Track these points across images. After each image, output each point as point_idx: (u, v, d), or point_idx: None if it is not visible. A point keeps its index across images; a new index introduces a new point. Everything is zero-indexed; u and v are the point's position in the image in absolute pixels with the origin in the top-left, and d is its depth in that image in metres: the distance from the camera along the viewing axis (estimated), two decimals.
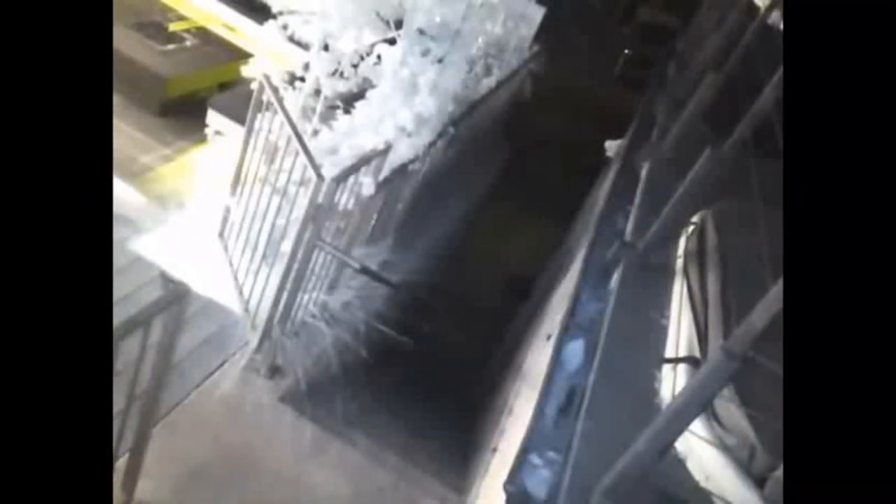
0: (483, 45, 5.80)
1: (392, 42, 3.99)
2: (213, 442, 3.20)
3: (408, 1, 3.91)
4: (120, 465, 2.43)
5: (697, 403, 2.00)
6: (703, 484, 2.39)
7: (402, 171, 4.26)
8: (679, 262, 3.70)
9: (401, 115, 3.94)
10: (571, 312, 3.38)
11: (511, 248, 7.89)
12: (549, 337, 3.63)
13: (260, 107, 3.81)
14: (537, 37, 7.88)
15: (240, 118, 4.18)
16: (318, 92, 4.16)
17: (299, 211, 3.43)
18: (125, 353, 1.90)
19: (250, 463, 3.20)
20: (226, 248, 4.22)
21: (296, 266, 3.43)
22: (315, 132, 4.12)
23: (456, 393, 5.49)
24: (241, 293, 3.90)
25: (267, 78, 3.78)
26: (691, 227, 3.85)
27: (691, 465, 2.43)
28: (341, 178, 3.36)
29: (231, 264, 4.09)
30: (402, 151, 4.13)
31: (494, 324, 6.65)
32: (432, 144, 4.60)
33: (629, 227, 3.94)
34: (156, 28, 6.40)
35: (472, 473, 4.02)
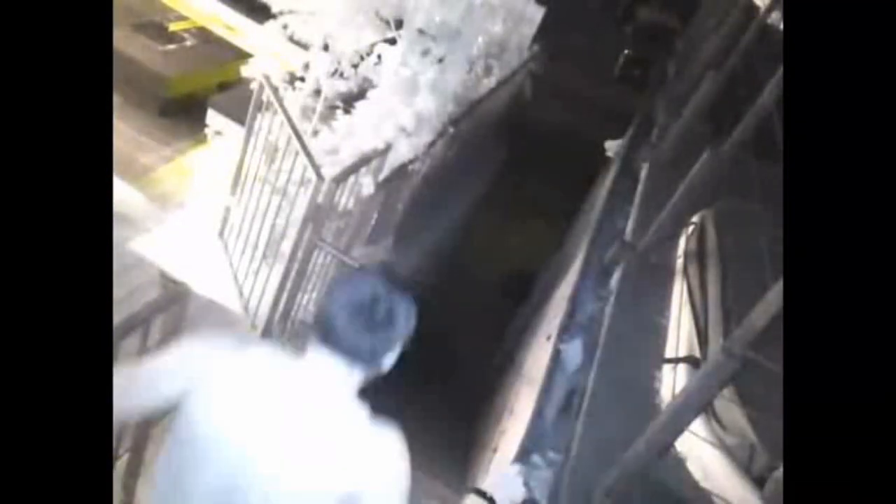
0: (483, 45, 5.80)
1: (392, 42, 3.98)
2: None
3: (408, 1, 3.90)
4: (120, 465, 2.43)
5: (697, 403, 2.00)
6: (702, 484, 2.39)
7: (402, 171, 4.26)
8: (679, 262, 3.70)
9: (401, 115, 3.94)
10: (571, 313, 3.38)
11: (511, 248, 7.89)
12: (548, 337, 3.63)
13: (260, 107, 3.81)
14: (537, 37, 7.87)
15: (240, 118, 4.17)
16: (318, 92, 4.15)
17: (299, 211, 3.43)
18: (125, 353, 1.90)
19: None
20: (226, 248, 4.22)
21: (296, 266, 3.43)
22: (315, 132, 4.12)
23: (456, 393, 5.49)
24: (241, 293, 3.89)
25: (267, 78, 3.78)
26: (691, 227, 3.86)
27: (691, 465, 2.43)
28: (341, 178, 3.36)
29: (231, 264, 4.08)
30: (402, 151, 4.12)
31: (494, 324, 6.65)
32: (432, 144, 4.59)
33: (629, 227, 3.94)
34: (156, 28, 6.40)
35: (472, 473, 4.02)
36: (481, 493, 1.36)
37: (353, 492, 1.19)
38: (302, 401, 1.20)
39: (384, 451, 1.22)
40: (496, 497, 1.36)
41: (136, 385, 1.26)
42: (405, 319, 1.21)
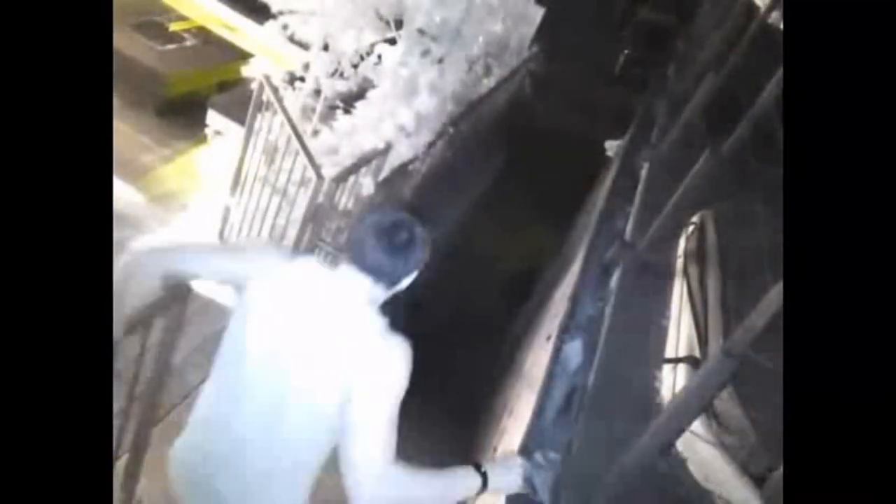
0: (483, 44, 5.80)
1: (392, 42, 3.98)
2: None
3: (408, 1, 3.91)
4: (120, 465, 2.43)
5: (697, 403, 2.00)
6: (703, 484, 2.38)
7: (402, 171, 4.26)
8: (679, 262, 3.70)
9: (401, 115, 3.94)
10: (571, 313, 3.38)
11: (511, 248, 7.88)
12: (548, 337, 3.63)
13: (260, 107, 3.81)
14: (537, 37, 7.88)
15: (240, 118, 4.18)
16: (318, 92, 4.16)
17: (299, 211, 3.43)
18: (125, 353, 1.89)
19: None
20: None
21: None
22: (315, 132, 4.12)
23: (456, 393, 5.48)
24: None
25: (267, 78, 3.78)
26: (691, 227, 3.85)
27: (691, 465, 2.43)
28: (341, 178, 3.36)
29: None
30: (402, 151, 4.12)
31: (494, 324, 6.64)
32: (432, 144, 4.59)
33: (629, 227, 3.94)
34: (156, 28, 6.40)
35: None
36: (477, 468, 1.45)
37: (352, 386, 1.34)
38: (330, 304, 1.42)
39: (390, 356, 1.39)
40: (491, 481, 1.44)
41: (214, 253, 1.62)
42: (421, 246, 1.43)
